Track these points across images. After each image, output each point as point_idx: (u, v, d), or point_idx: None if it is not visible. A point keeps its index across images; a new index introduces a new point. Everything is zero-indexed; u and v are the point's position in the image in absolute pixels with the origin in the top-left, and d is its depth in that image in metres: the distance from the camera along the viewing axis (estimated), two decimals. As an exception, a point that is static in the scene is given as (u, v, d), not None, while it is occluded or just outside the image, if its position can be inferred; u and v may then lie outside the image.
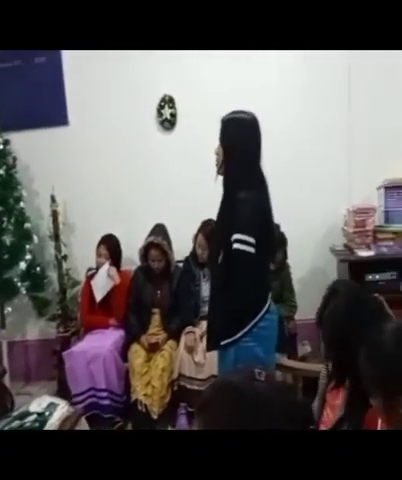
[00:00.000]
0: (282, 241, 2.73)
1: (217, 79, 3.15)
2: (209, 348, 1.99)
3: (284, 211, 2.86)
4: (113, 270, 2.99)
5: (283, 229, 2.64)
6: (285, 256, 2.84)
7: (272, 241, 1.95)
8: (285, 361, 2.35)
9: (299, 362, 2.45)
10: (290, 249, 2.84)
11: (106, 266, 2.98)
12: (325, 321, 1.50)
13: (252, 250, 1.72)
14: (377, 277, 2.80)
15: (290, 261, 2.92)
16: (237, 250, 1.72)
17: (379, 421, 1.21)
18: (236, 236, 1.72)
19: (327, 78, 3.10)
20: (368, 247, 2.80)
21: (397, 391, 1.07)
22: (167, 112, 3.24)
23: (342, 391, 1.50)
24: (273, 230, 1.96)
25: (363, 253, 2.75)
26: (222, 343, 1.81)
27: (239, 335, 1.78)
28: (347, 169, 3.10)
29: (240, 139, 1.81)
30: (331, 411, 1.54)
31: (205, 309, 2.54)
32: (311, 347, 2.93)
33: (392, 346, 1.11)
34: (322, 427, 1.57)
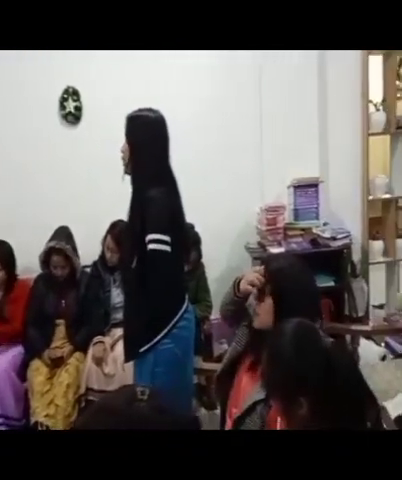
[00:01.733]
0: (196, 240, 2.67)
1: (126, 74, 2.97)
2: (127, 358, 1.87)
3: (199, 210, 2.82)
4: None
5: (198, 228, 2.58)
6: (199, 256, 2.78)
7: (185, 240, 1.91)
8: (199, 363, 2.29)
9: (214, 363, 2.38)
10: (205, 248, 2.78)
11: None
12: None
13: (169, 249, 1.66)
14: (289, 273, 2.83)
15: (205, 260, 2.86)
16: (154, 250, 1.64)
17: (278, 420, 1.19)
18: (151, 236, 1.65)
19: (238, 78, 3.06)
20: (279, 244, 2.83)
21: (296, 393, 1.04)
22: (71, 105, 3.00)
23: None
24: (185, 229, 1.93)
25: (274, 250, 2.78)
26: (141, 350, 1.71)
27: (158, 338, 1.71)
28: (260, 168, 3.11)
29: (146, 136, 1.76)
30: (243, 392, 1.46)
31: (116, 316, 2.40)
32: (228, 345, 2.88)
33: (290, 348, 1.09)
34: (232, 409, 1.49)
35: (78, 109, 3.00)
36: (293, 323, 1.16)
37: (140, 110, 1.78)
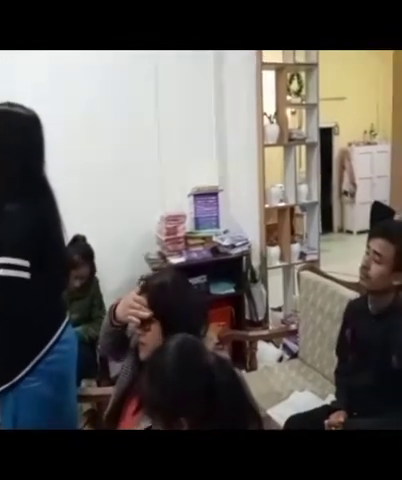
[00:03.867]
0: (87, 254, 2.48)
1: (12, 73, 2.62)
2: None
3: (95, 220, 2.67)
4: None
5: (95, 239, 2.42)
6: (92, 270, 2.57)
7: (61, 260, 1.59)
8: (85, 390, 2.12)
9: (109, 387, 2.10)
10: (103, 260, 2.61)
11: None
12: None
13: (25, 275, 1.37)
14: (189, 282, 2.77)
15: (103, 273, 2.68)
16: (3, 277, 1.35)
17: None
18: (0, 260, 1.34)
19: (135, 77, 2.95)
20: (180, 253, 2.77)
21: (176, 412, 0.99)
22: None
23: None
24: (62, 247, 1.61)
25: (175, 260, 2.71)
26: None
27: (19, 377, 1.44)
28: (160, 176, 3.01)
29: (8, 136, 1.41)
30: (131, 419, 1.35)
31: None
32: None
33: (171, 367, 1.03)
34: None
35: None
36: (175, 341, 1.10)
37: (8, 104, 1.45)
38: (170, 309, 1.30)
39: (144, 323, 1.30)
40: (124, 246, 2.95)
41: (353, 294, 2.07)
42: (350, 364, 1.79)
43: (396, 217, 2.92)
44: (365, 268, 1.61)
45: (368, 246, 1.63)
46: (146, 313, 1.29)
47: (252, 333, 2.83)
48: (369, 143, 7.01)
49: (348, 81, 6.71)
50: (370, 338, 1.66)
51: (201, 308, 1.41)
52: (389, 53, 4.09)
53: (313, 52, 3.59)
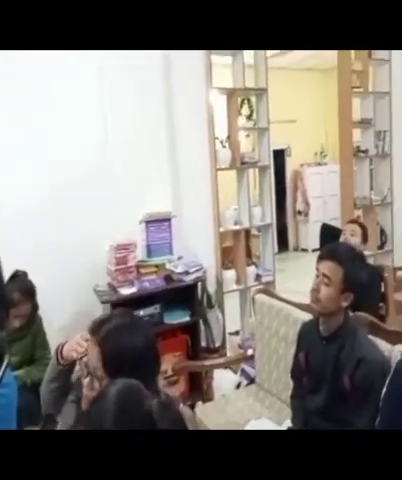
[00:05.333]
0: (28, 291, 2.29)
1: None
2: None
3: (38, 254, 2.45)
4: None
5: (38, 274, 2.23)
6: (34, 307, 2.37)
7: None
8: None
9: None
10: (48, 295, 2.42)
11: None
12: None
13: None
14: (141, 313, 2.62)
15: (49, 308, 2.49)
16: None
17: None
18: None
19: (83, 102, 2.81)
20: (131, 284, 2.61)
21: None
22: None
23: None
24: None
25: (125, 291, 2.55)
26: None
27: None
28: (109, 204, 2.84)
29: None
30: None
31: None
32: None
33: (110, 414, 0.93)
34: None
35: None
36: (115, 388, 1.00)
37: None
38: (119, 354, 1.21)
39: (92, 374, 1.22)
40: (71, 279, 2.74)
41: (307, 316, 2.03)
42: (305, 387, 1.76)
43: (341, 239, 2.90)
44: (315, 291, 1.60)
45: (317, 269, 1.63)
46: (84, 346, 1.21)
47: (208, 362, 2.72)
48: (320, 164, 7.15)
49: (298, 104, 6.84)
50: (322, 360, 1.65)
51: (152, 351, 1.30)
52: (336, 76, 4.16)
53: (262, 77, 3.59)
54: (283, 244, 7.27)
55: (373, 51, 4.25)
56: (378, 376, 1.51)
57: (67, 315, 2.75)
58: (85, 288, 2.73)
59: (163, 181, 3.13)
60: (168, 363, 2.69)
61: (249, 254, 4.93)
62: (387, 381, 1.47)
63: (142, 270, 2.69)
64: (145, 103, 3.02)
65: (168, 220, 2.88)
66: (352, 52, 4.11)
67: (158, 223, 2.82)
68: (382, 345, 1.69)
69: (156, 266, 2.75)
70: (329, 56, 4.57)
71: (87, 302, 2.73)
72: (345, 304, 1.60)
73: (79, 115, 2.78)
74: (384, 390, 1.47)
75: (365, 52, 4.18)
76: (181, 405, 1.91)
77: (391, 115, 4.30)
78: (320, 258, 1.64)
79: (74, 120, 2.77)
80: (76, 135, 2.77)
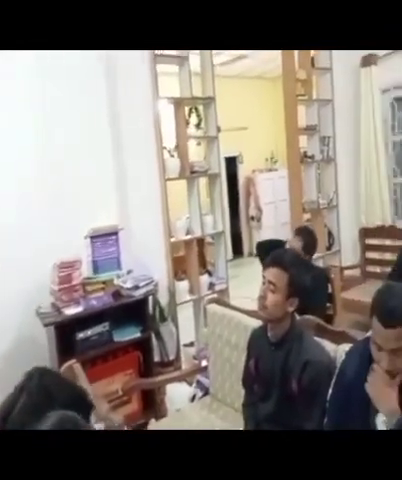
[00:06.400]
0: None
1: None
2: None
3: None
4: None
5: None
6: None
7: None
8: None
9: None
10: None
11: None
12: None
13: None
14: (89, 333, 2.48)
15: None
16: None
17: None
18: None
19: (23, 112, 2.63)
20: (77, 303, 2.46)
21: None
22: None
23: None
24: None
25: (71, 310, 2.40)
26: None
27: None
28: (52, 218, 2.67)
29: None
30: None
31: None
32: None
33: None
34: None
35: None
36: (52, 418, 0.98)
37: None
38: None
39: None
40: (12, 301, 2.55)
41: (257, 323, 2.00)
42: (256, 395, 1.76)
43: (287, 246, 2.89)
44: (262, 298, 1.62)
45: (263, 276, 1.65)
46: None
47: (160, 378, 2.61)
48: (270, 170, 7.18)
49: (249, 112, 6.85)
50: (271, 366, 1.66)
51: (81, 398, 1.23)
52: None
53: (209, 85, 3.54)
54: (238, 250, 7.26)
55: (316, 60, 4.31)
56: (324, 378, 1.52)
57: (8, 340, 2.55)
58: (28, 311, 2.52)
59: (109, 194, 2.99)
60: (118, 383, 2.57)
61: (204, 262, 4.86)
62: (332, 382, 1.48)
63: (88, 288, 2.54)
64: (89, 114, 2.88)
65: (115, 234, 2.75)
66: (296, 61, 4.14)
67: (104, 237, 2.69)
68: (328, 346, 1.70)
69: (103, 282, 2.61)
70: (276, 65, 4.59)
71: (31, 326, 2.53)
72: (291, 309, 1.63)
73: (14, 128, 2.61)
74: (330, 391, 1.48)
75: (308, 61, 4.22)
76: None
77: (334, 121, 4.37)
78: (266, 266, 1.67)
79: (8, 133, 2.60)
80: (11, 149, 2.59)
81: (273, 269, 1.62)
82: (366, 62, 4.05)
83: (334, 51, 4.25)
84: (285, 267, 1.61)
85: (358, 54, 4.06)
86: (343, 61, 4.20)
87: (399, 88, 4.00)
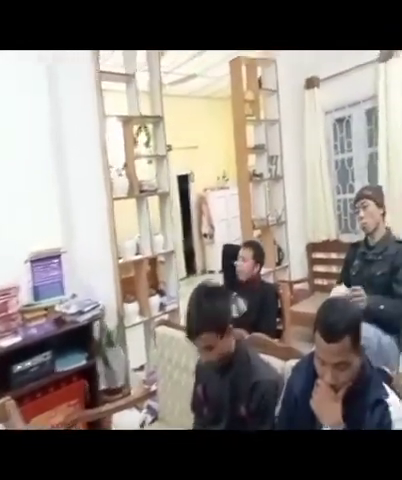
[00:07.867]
0: None
1: None
2: None
3: None
4: None
5: None
6: None
7: None
8: None
9: None
10: None
11: None
12: None
13: None
14: (28, 364, 2.27)
15: None
16: None
17: None
18: None
19: None
20: (15, 332, 2.26)
21: None
22: None
23: None
24: None
25: (6, 342, 2.19)
26: None
27: None
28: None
29: None
30: None
31: None
32: None
33: None
34: None
35: None
36: None
37: None
38: None
39: None
40: None
41: None
42: (205, 418, 1.71)
43: (238, 257, 2.86)
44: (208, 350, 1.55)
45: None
46: None
47: (106, 407, 2.43)
48: (222, 188, 7.18)
49: (199, 131, 6.85)
50: (219, 391, 1.61)
51: None
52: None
53: (158, 104, 3.46)
54: (191, 268, 7.16)
55: (263, 81, 4.35)
56: (273, 396, 1.50)
57: None
58: None
59: (52, 215, 2.82)
60: (61, 415, 2.36)
61: (156, 282, 4.71)
62: (280, 399, 1.47)
63: (28, 315, 2.35)
64: (29, 129, 2.72)
65: (58, 257, 2.57)
66: (244, 82, 4.15)
67: (46, 261, 2.51)
68: (275, 363, 1.67)
69: (45, 309, 2.43)
70: (225, 85, 4.60)
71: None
72: (233, 341, 1.58)
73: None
74: (278, 408, 1.46)
75: (255, 82, 4.25)
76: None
77: (281, 141, 4.41)
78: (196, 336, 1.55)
79: None
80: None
81: (206, 334, 1.49)
82: (310, 84, 4.12)
83: (280, 72, 4.30)
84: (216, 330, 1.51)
85: (302, 76, 4.12)
86: (288, 83, 4.26)
87: (340, 110, 4.08)
